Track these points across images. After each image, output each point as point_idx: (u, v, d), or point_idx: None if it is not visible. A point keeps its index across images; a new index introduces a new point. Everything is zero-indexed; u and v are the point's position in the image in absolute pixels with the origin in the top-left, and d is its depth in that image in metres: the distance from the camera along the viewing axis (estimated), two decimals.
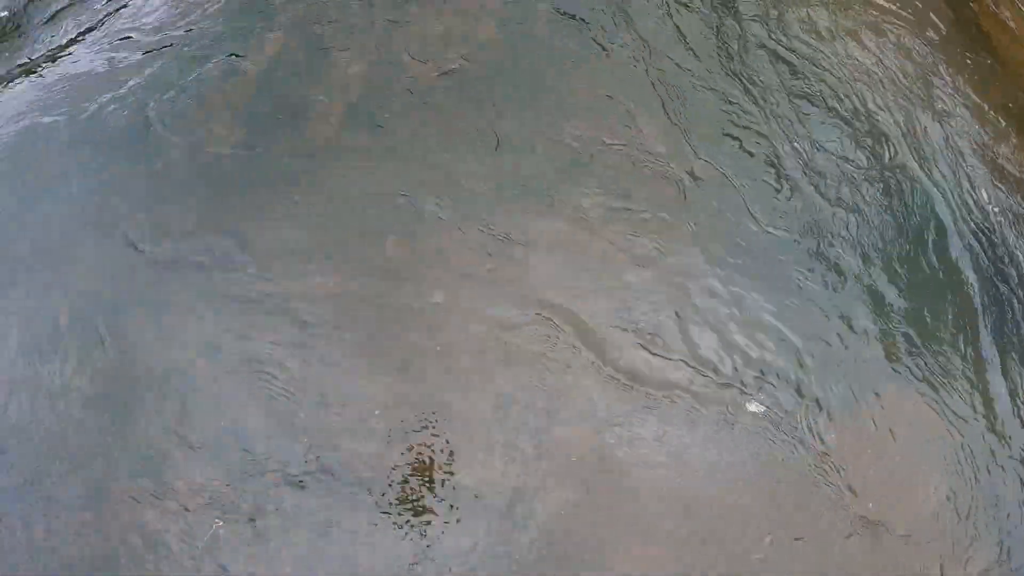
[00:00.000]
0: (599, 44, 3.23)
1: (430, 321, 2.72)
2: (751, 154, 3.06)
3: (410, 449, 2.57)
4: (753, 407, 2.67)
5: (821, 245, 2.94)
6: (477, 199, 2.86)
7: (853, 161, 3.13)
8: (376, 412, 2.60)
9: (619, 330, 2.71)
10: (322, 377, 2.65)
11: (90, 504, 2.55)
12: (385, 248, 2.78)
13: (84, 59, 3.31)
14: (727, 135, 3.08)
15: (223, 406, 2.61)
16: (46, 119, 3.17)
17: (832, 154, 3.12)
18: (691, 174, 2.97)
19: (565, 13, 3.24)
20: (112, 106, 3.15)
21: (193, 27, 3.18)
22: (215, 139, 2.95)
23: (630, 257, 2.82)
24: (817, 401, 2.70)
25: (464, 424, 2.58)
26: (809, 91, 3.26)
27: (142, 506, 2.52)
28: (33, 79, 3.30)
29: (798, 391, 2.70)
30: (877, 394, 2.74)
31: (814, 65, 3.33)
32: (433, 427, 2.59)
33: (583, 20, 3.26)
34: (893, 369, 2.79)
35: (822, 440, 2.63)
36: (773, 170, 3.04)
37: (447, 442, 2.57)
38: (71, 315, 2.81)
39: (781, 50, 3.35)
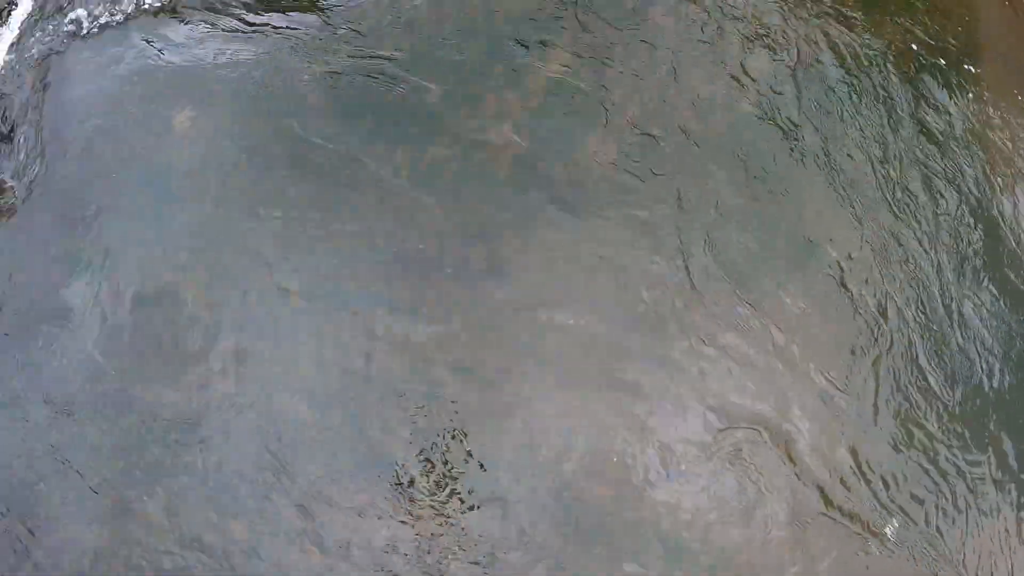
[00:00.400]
0: (822, 146, 3.30)
1: (658, 381, 2.82)
2: (914, 286, 3.15)
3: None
4: (890, 529, 2.87)
5: (972, 391, 3.08)
6: (723, 264, 2.97)
7: (1004, 310, 3.28)
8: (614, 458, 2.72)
9: (810, 452, 2.87)
10: (539, 412, 2.75)
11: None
12: (639, 296, 2.87)
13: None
14: (896, 260, 3.16)
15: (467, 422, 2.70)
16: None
17: (985, 303, 3.23)
18: (879, 305, 3.08)
19: (814, 108, 3.33)
20: (366, 73, 3.13)
21: (476, 21, 3.17)
22: (487, 143, 2.97)
23: (817, 375, 2.96)
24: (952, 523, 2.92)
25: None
26: (962, 226, 3.36)
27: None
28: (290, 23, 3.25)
29: (942, 517, 2.92)
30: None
31: (973, 198, 3.43)
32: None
33: (817, 116, 3.36)
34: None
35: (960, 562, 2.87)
36: (934, 311, 3.13)
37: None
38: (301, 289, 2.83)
39: (948, 179, 3.46)
